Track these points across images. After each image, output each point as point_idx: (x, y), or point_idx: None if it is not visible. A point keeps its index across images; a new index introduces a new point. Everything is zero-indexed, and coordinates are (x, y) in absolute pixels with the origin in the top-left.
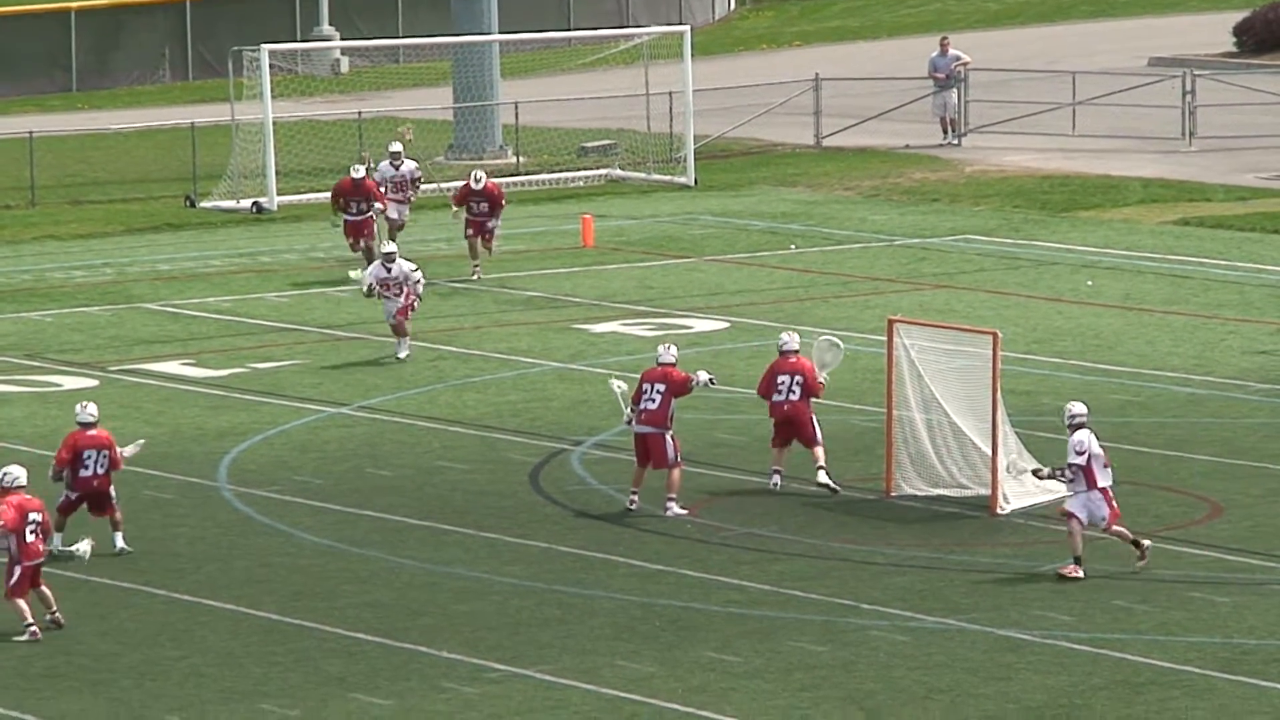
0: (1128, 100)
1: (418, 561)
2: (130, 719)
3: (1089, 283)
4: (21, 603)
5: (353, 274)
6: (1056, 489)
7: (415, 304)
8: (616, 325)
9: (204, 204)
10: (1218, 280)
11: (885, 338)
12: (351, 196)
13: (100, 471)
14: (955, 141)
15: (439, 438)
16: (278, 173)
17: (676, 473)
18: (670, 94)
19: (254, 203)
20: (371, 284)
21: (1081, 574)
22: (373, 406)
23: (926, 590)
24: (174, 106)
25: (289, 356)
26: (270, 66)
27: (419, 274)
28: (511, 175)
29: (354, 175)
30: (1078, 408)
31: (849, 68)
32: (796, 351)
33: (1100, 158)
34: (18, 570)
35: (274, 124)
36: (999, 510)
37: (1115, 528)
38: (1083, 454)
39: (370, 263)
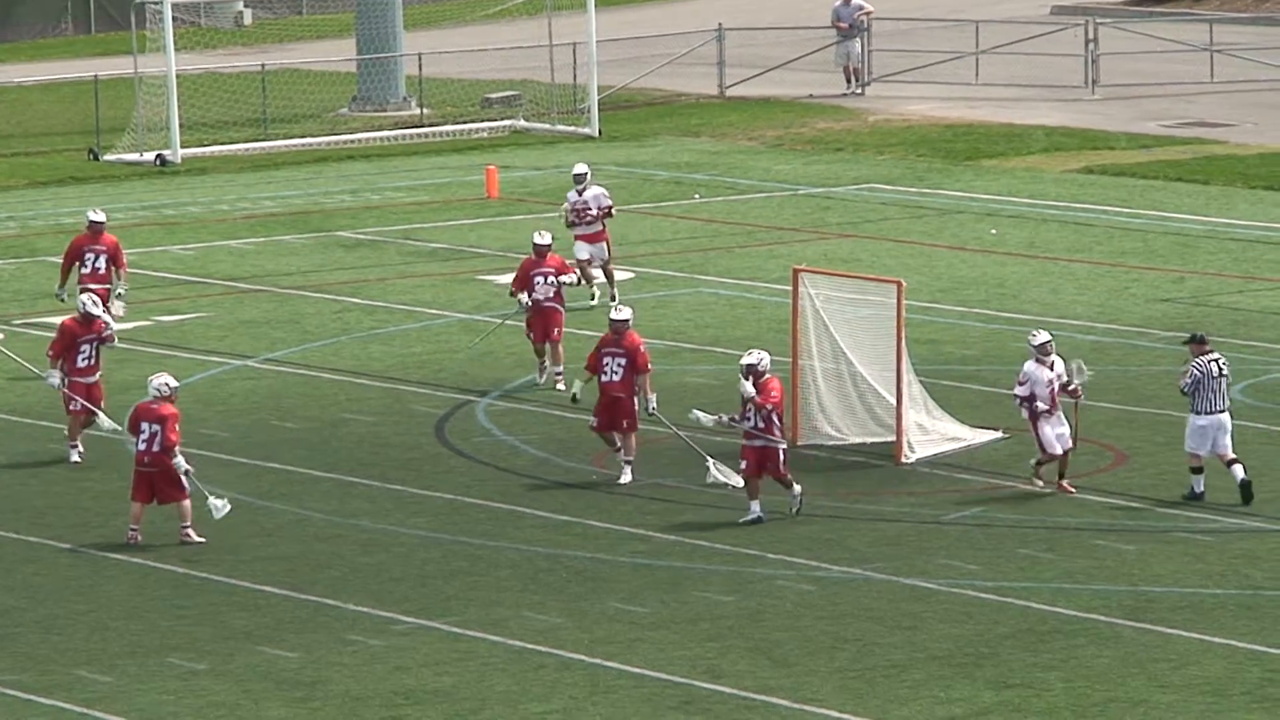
0: (1030, 49)
1: (323, 514)
2: (36, 673)
3: (993, 231)
4: (134, 505)
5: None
6: (962, 438)
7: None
8: None
9: (108, 157)
10: (1121, 228)
11: (790, 287)
12: (90, 248)
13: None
14: (859, 91)
15: (344, 390)
16: (181, 125)
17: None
18: (574, 45)
19: (158, 155)
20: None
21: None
22: (277, 359)
23: (832, 540)
24: (77, 59)
25: (193, 309)
26: (173, 19)
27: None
28: (415, 127)
29: (92, 218)
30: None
31: (752, 17)
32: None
33: (1003, 106)
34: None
35: (177, 77)
36: (904, 459)
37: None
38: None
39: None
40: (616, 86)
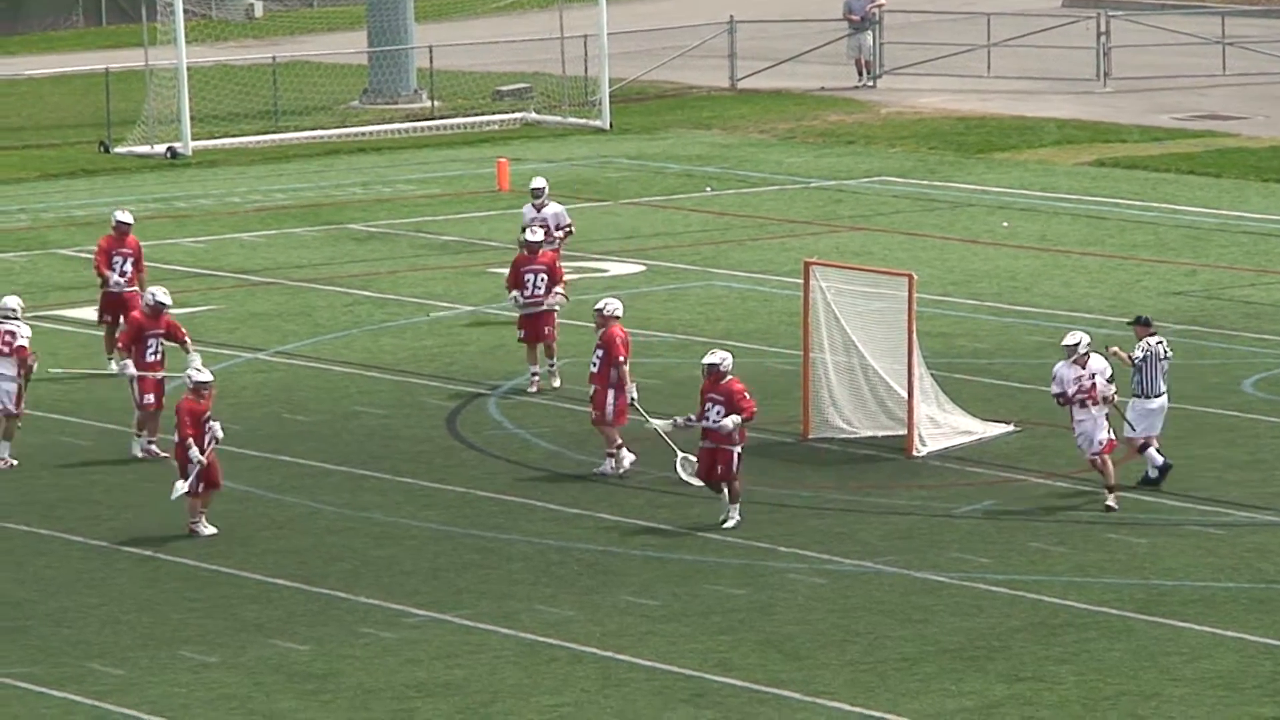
0: (1043, 41)
1: (335, 507)
2: (48, 665)
3: (1005, 224)
4: (192, 500)
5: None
6: (973, 431)
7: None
8: None
9: (119, 149)
10: (1133, 221)
11: (802, 280)
12: (118, 252)
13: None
14: (870, 83)
15: (355, 383)
16: (192, 118)
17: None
18: (585, 37)
19: (169, 148)
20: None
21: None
22: (289, 352)
23: (844, 533)
24: (88, 51)
25: (205, 302)
26: (184, 11)
27: None
28: (426, 119)
29: (119, 219)
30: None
31: (764, 10)
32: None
33: (1015, 99)
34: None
35: (188, 69)
36: (915, 453)
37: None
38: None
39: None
40: (628, 79)
